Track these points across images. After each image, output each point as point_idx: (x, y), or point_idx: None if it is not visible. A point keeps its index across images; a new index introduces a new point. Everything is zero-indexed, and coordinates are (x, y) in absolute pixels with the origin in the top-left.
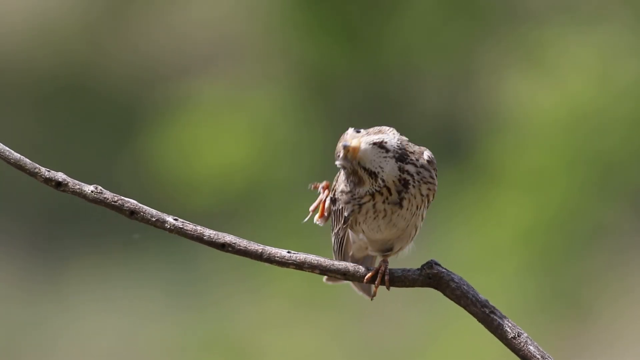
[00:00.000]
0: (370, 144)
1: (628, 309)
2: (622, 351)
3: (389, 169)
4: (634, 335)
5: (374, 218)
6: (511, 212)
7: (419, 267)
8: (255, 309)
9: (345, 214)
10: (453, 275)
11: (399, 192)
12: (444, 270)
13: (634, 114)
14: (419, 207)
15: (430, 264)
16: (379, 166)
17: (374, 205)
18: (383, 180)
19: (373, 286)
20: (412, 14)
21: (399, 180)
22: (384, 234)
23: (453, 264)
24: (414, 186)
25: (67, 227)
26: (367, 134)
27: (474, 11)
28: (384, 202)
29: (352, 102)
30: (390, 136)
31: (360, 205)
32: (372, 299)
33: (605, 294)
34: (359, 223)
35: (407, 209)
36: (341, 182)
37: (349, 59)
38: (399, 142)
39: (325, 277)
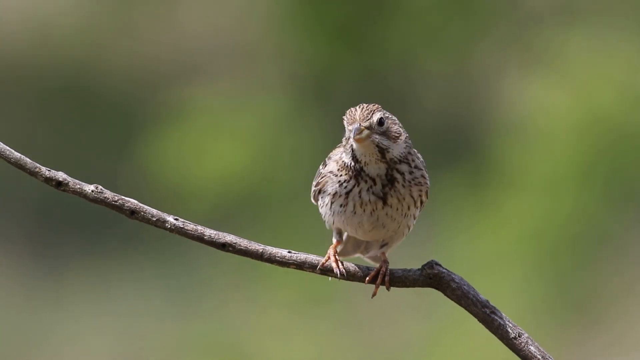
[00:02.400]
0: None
1: (634, 315)
2: (626, 352)
3: (397, 152)
4: (638, 337)
5: (358, 212)
6: (519, 215)
7: (420, 267)
8: (254, 314)
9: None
10: (454, 276)
11: (383, 186)
12: (444, 270)
13: None
14: (409, 208)
15: (430, 264)
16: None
17: (359, 193)
18: (361, 162)
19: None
20: (414, 14)
21: (385, 175)
22: (372, 234)
23: (460, 266)
24: (403, 186)
25: (66, 230)
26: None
27: (478, 12)
28: (368, 190)
29: (353, 104)
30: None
31: (347, 193)
32: (372, 297)
33: (612, 300)
34: (342, 220)
35: (397, 209)
36: (333, 163)
37: (349, 61)
38: (406, 147)
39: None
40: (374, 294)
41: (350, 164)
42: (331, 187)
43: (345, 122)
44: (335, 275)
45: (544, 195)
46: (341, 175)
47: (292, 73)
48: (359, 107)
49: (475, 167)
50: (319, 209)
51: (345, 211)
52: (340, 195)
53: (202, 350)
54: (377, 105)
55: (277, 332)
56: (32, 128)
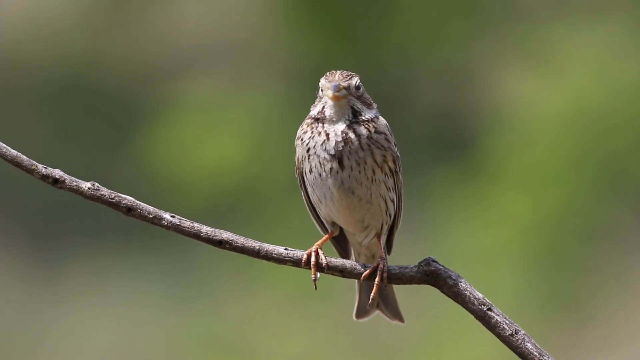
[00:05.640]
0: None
1: (626, 307)
2: (619, 349)
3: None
4: (631, 334)
5: (322, 175)
6: (512, 209)
7: (417, 264)
8: (253, 310)
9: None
10: (450, 273)
11: (336, 143)
12: (441, 267)
13: (637, 111)
14: (375, 172)
15: (427, 261)
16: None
17: (315, 147)
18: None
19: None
20: (410, 10)
21: (341, 132)
22: (345, 205)
23: (454, 261)
24: (362, 149)
25: (65, 227)
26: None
27: (474, 7)
28: (322, 144)
29: None
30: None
31: (308, 151)
32: (370, 302)
33: (603, 293)
34: (311, 184)
35: (360, 172)
36: (303, 124)
37: (346, 56)
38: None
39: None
40: (374, 297)
41: (314, 116)
42: (300, 152)
43: (322, 82)
44: (313, 279)
45: (536, 188)
46: (305, 133)
47: (289, 67)
48: (338, 71)
49: (465, 162)
50: (309, 198)
51: (313, 175)
52: (304, 158)
53: (201, 345)
54: (354, 73)
55: (276, 328)
56: (27, 122)
